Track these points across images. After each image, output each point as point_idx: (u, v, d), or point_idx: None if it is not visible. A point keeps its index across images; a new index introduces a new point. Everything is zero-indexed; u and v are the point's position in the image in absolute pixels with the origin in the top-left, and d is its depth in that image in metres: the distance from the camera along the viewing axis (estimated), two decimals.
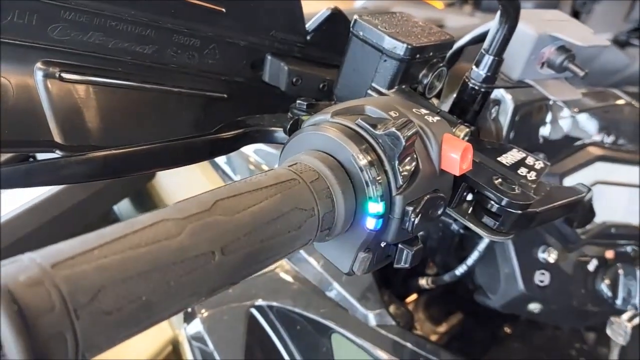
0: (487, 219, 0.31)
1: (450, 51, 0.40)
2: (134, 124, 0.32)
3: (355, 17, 0.36)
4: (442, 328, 0.61)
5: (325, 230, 0.26)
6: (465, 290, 0.58)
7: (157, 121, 0.33)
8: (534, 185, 0.31)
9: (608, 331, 0.52)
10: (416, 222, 0.27)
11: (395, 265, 0.30)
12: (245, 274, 0.23)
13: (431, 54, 0.36)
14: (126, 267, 0.18)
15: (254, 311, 0.52)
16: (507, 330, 0.62)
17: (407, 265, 0.30)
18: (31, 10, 0.27)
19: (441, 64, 0.36)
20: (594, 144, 0.49)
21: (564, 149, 0.49)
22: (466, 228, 0.49)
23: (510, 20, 0.32)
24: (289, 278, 0.55)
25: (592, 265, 0.50)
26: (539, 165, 0.32)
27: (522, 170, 0.32)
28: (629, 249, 0.51)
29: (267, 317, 0.52)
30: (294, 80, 0.38)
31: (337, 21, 0.38)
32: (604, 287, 0.50)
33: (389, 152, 0.26)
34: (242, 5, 0.34)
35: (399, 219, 0.27)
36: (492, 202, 0.30)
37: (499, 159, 0.32)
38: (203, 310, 0.52)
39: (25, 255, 0.17)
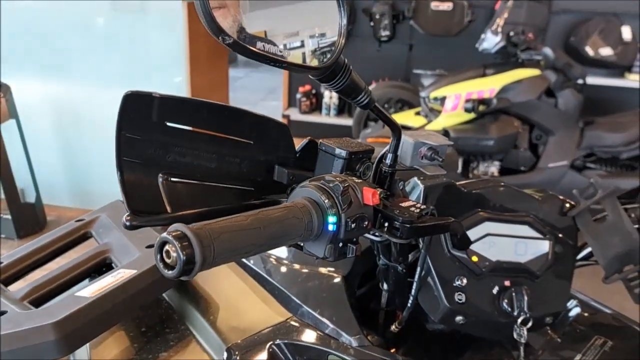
0: (394, 232, 0.56)
1: (376, 157, 0.70)
2: (209, 199, 0.60)
3: (321, 141, 0.65)
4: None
5: (309, 231, 0.51)
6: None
7: (219, 198, 0.61)
8: (417, 215, 0.58)
9: (514, 335, 0.74)
10: (352, 226, 0.52)
11: (348, 256, 0.54)
12: (276, 241, 0.49)
13: (360, 156, 0.62)
14: (231, 228, 0.45)
15: (275, 347, 0.74)
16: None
17: (352, 255, 0.54)
18: (163, 148, 0.56)
19: (368, 162, 0.64)
20: (482, 210, 0.77)
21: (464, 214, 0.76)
22: (408, 269, 0.75)
23: (397, 135, 0.63)
24: (296, 324, 0.78)
25: (495, 290, 0.73)
26: (422, 207, 0.60)
27: (412, 209, 0.58)
28: (519, 280, 0.75)
29: (283, 351, 0.74)
30: (291, 178, 0.64)
31: (311, 145, 0.67)
32: (505, 304, 0.73)
33: (336, 193, 0.52)
34: (262, 139, 0.62)
35: (344, 225, 0.52)
36: (395, 221, 0.56)
37: (400, 204, 0.59)
38: (237, 353, 0.74)
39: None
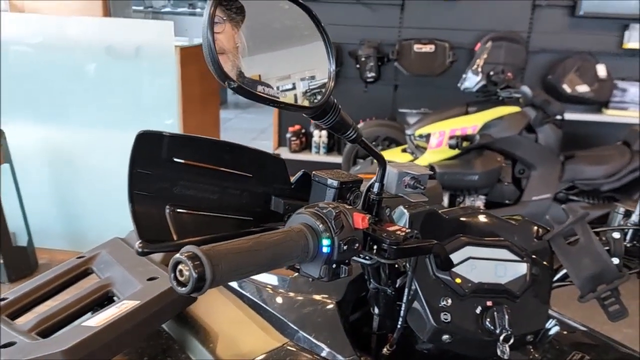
0: (382, 253, 0.61)
1: (365, 187, 0.76)
2: (211, 228, 0.65)
3: (314, 172, 0.71)
4: None
5: (305, 253, 0.56)
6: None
7: (220, 227, 0.67)
8: (402, 237, 0.64)
9: (498, 352, 0.79)
10: (345, 248, 0.57)
11: (341, 276, 0.59)
12: (275, 262, 0.53)
13: (350, 185, 0.69)
14: (236, 250, 0.50)
15: None
16: None
17: (344, 275, 0.59)
18: (170, 182, 0.62)
19: (357, 191, 0.70)
20: (464, 235, 0.83)
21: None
22: (396, 292, 0.80)
23: (383, 165, 0.70)
24: (293, 349, 0.82)
25: (478, 310, 0.78)
26: (407, 231, 0.66)
27: (398, 232, 0.64)
28: (500, 300, 0.79)
29: None
30: (287, 207, 0.70)
31: (305, 177, 0.73)
32: (488, 323, 0.77)
33: (329, 218, 0.58)
34: (260, 172, 0.68)
35: (337, 247, 0.57)
36: (383, 243, 0.61)
37: (387, 228, 0.64)
38: None
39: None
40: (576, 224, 0.85)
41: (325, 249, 0.58)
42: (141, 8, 8.00)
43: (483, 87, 3.35)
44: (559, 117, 3.30)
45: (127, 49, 3.03)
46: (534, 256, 0.84)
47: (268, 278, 1.00)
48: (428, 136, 3.28)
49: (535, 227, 0.87)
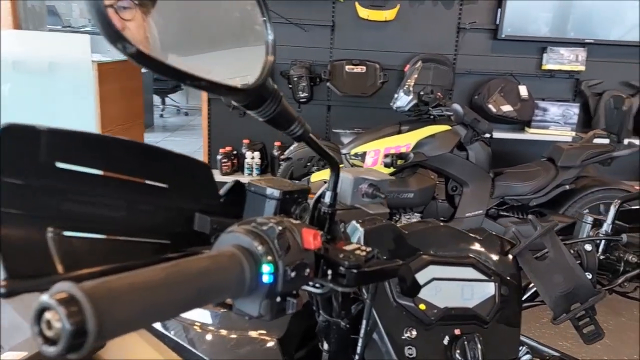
0: (340, 279, 0.48)
1: (312, 200, 0.64)
2: (114, 256, 0.50)
3: (249, 181, 0.58)
4: None
5: (240, 286, 0.42)
6: None
7: (127, 254, 0.51)
8: (363, 259, 0.51)
9: None
10: (292, 275, 0.44)
11: (287, 312, 0.45)
12: (200, 300, 0.39)
13: (295, 196, 0.57)
14: (140, 285, 0.35)
15: None
16: None
17: (292, 311, 0.45)
18: (52, 196, 0.46)
19: (304, 202, 0.58)
20: (425, 253, 0.72)
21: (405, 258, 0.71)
22: (351, 324, 0.67)
23: (336, 171, 0.57)
24: None
25: (445, 340, 0.67)
26: (367, 250, 0.53)
27: (357, 252, 0.51)
28: (470, 327, 0.69)
29: None
30: (214, 227, 0.55)
31: (238, 188, 0.59)
32: (458, 355, 0.66)
33: (271, 237, 0.44)
34: (179, 182, 0.54)
35: (282, 274, 0.43)
36: (340, 267, 0.48)
37: (343, 247, 0.52)
38: None
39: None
40: (545, 236, 0.77)
41: (266, 278, 0.44)
42: (59, 27, 7.50)
43: (415, 106, 3.37)
44: (487, 135, 3.37)
45: (38, 64, 2.75)
46: (501, 274, 0.75)
47: (194, 313, 0.84)
48: (363, 155, 3.23)
49: (500, 241, 0.79)
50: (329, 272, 0.50)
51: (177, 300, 0.38)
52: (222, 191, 0.59)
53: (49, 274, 0.45)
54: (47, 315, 0.31)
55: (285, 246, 0.45)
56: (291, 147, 3.83)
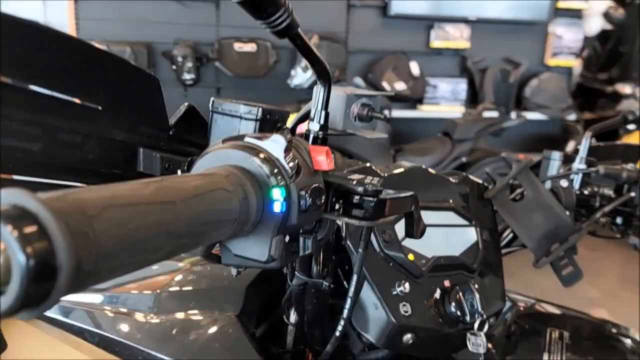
0: (355, 212, 0.39)
1: (292, 122, 0.53)
2: None
3: (212, 98, 0.46)
4: None
5: (245, 216, 0.31)
6: None
7: None
8: (379, 184, 0.41)
9: (469, 347, 0.58)
10: (309, 202, 0.34)
11: (301, 254, 0.37)
12: (202, 229, 0.29)
13: (276, 117, 0.47)
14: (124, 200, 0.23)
15: None
16: None
17: (309, 251, 0.37)
18: None
19: (284, 127, 0.48)
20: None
21: None
22: (335, 289, 0.55)
23: (327, 82, 0.46)
24: None
25: (437, 293, 0.59)
26: (377, 180, 0.42)
27: (367, 179, 0.42)
28: (458, 277, 0.61)
29: None
30: (167, 165, 0.43)
31: (192, 114, 0.46)
32: (452, 308, 0.57)
33: (275, 153, 0.34)
34: (115, 103, 0.39)
35: (296, 202, 0.34)
36: (354, 195, 0.38)
37: (349, 177, 0.42)
38: None
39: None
40: (520, 173, 0.71)
41: (277, 207, 0.35)
42: None
43: (314, 83, 3.23)
44: (386, 111, 3.35)
45: None
46: (480, 218, 0.69)
47: (112, 298, 0.67)
48: None
49: (475, 184, 0.72)
50: (339, 202, 0.40)
51: (174, 229, 0.27)
52: (172, 119, 0.47)
53: None
54: None
55: (295, 167, 0.36)
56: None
